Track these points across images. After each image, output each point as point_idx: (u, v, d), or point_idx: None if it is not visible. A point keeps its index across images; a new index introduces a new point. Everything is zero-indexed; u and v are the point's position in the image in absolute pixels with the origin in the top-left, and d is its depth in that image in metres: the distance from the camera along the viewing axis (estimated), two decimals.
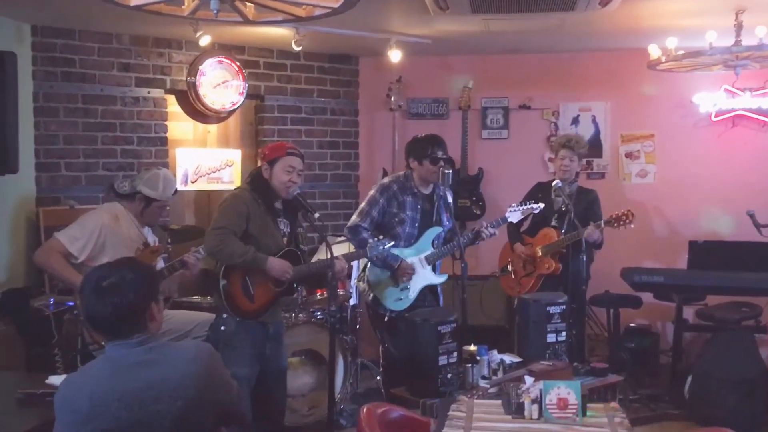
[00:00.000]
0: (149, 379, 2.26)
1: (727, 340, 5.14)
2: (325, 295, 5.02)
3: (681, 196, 6.47)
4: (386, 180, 4.66)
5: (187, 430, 2.30)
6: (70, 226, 4.33)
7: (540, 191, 5.27)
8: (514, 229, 5.29)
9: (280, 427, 4.19)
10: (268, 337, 3.98)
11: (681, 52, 4.94)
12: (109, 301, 2.28)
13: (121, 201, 4.47)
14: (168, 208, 4.65)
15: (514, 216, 4.76)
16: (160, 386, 2.26)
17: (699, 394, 4.99)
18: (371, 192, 4.59)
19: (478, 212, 6.40)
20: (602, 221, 5.01)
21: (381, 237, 4.30)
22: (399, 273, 4.47)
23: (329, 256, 3.87)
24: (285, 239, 4.01)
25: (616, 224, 4.99)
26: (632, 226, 5.01)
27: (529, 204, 4.80)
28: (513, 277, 5.30)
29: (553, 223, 5.20)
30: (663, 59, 5.05)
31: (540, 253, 5.16)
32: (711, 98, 6.32)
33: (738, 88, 6.22)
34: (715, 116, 6.37)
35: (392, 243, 4.32)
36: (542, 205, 4.89)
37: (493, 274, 5.70)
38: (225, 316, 3.88)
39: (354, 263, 4.96)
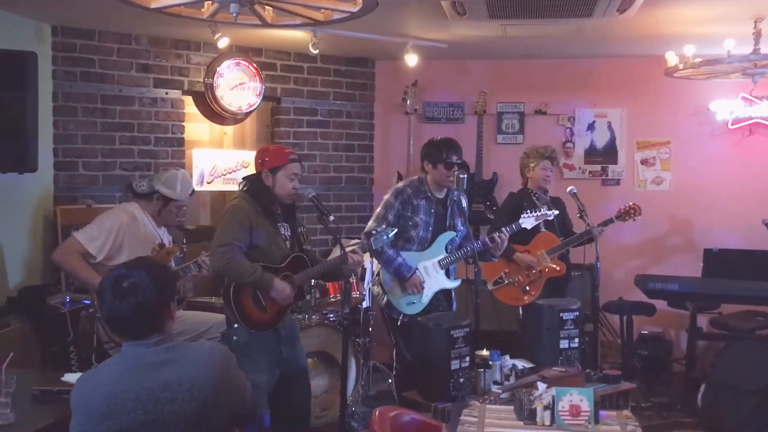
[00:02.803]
0: (165, 380, 2.28)
1: (741, 349, 5.12)
2: (339, 298, 5.04)
3: (696, 203, 6.44)
4: (401, 184, 4.66)
5: (200, 431, 2.32)
6: (88, 226, 4.35)
7: (523, 200, 5.28)
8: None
9: (305, 427, 4.16)
10: (281, 341, 3.97)
11: (698, 59, 4.93)
12: (131, 301, 2.29)
13: (138, 200, 4.49)
14: (184, 208, 4.67)
15: (527, 222, 4.75)
16: (176, 387, 2.28)
17: (712, 402, 4.97)
18: (386, 196, 4.59)
19: (492, 217, 6.38)
20: (614, 217, 5.22)
21: (384, 227, 4.29)
22: (408, 284, 4.45)
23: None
24: (288, 243, 4.01)
25: (626, 218, 5.22)
26: (640, 217, 5.24)
27: (543, 211, 4.80)
28: (516, 286, 5.22)
29: (543, 228, 5.17)
30: (680, 66, 5.04)
31: (547, 258, 5.20)
32: (728, 106, 6.31)
33: (756, 97, 6.19)
34: (732, 124, 6.35)
35: (395, 231, 4.28)
36: (557, 212, 4.94)
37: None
38: (236, 326, 3.84)
39: (368, 266, 4.96)
